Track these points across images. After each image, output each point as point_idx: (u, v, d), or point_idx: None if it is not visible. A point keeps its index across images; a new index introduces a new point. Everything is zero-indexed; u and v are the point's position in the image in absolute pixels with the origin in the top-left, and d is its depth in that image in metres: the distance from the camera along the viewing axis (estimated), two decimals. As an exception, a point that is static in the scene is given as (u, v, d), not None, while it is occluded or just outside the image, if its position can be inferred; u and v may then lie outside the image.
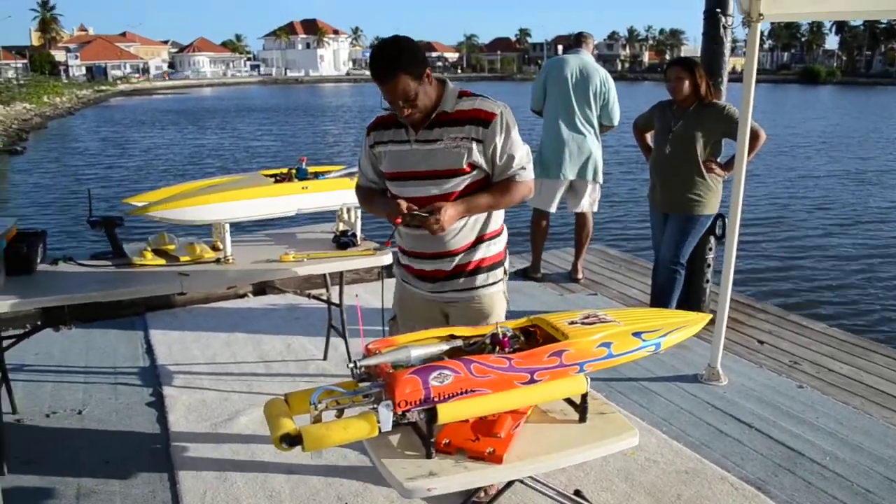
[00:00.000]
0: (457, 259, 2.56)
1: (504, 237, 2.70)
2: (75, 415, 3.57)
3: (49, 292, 3.10)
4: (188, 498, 2.87)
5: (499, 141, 2.43)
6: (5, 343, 3.29)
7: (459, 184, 2.45)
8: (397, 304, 2.82)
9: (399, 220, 2.40)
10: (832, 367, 4.19)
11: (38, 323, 3.69)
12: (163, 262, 3.47)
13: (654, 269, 4.80)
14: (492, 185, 2.51)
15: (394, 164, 2.53)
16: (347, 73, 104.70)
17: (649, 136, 4.81)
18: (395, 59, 2.31)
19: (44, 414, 3.57)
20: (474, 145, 2.41)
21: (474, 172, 2.46)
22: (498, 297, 2.68)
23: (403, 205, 2.39)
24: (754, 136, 4.18)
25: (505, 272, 2.71)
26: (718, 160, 4.43)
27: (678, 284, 4.61)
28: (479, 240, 2.58)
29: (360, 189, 2.79)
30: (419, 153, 2.46)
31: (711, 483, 2.99)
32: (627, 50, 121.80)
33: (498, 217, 2.64)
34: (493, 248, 2.63)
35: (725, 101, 4.54)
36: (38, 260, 3.39)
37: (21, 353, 3.99)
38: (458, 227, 2.50)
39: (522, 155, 2.51)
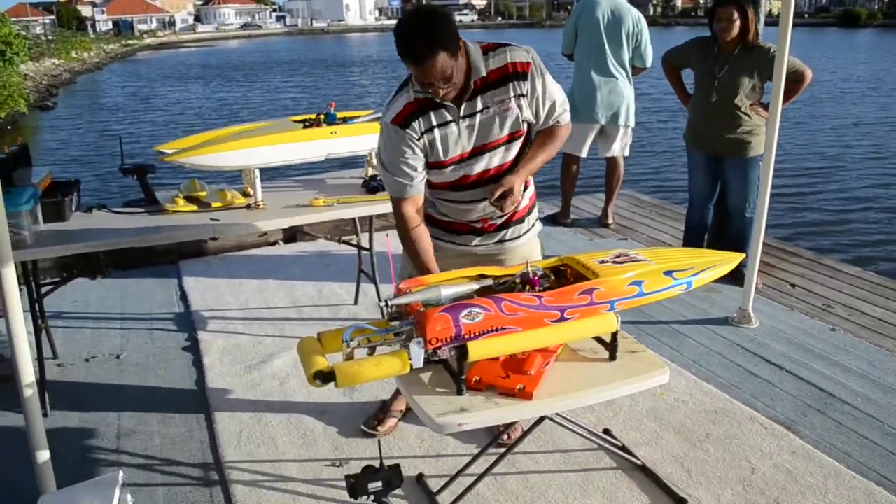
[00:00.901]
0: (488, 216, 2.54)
1: (532, 184, 2.66)
2: (113, 359, 3.66)
3: (84, 239, 3.15)
4: (224, 437, 2.94)
5: (539, 87, 2.33)
6: (45, 289, 3.36)
7: (517, 146, 2.40)
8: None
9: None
10: (865, 310, 4.15)
11: (75, 271, 3.77)
12: (195, 208, 3.51)
13: (690, 208, 4.73)
14: (539, 137, 2.45)
15: (446, 150, 2.33)
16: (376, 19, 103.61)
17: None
18: (430, 36, 2.07)
19: (83, 358, 3.67)
20: (523, 101, 2.32)
21: (527, 129, 2.41)
22: (535, 242, 2.68)
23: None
24: (800, 76, 4.11)
25: (536, 214, 2.70)
26: (761, 101, 4.28)
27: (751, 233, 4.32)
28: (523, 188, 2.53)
29: (406, 221, 2.40)
30: (469, 129, 2.32)
31: (741, 422, 3.00)
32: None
33: None
34: (529, 192, 2.61)
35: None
36: (73, 208, 3.44)
37: (59, 301, 4.10)
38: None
39: (562, 97, 2.44)
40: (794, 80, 4.06)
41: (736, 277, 3.92)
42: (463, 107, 2.29)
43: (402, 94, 2.32)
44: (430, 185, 2.47)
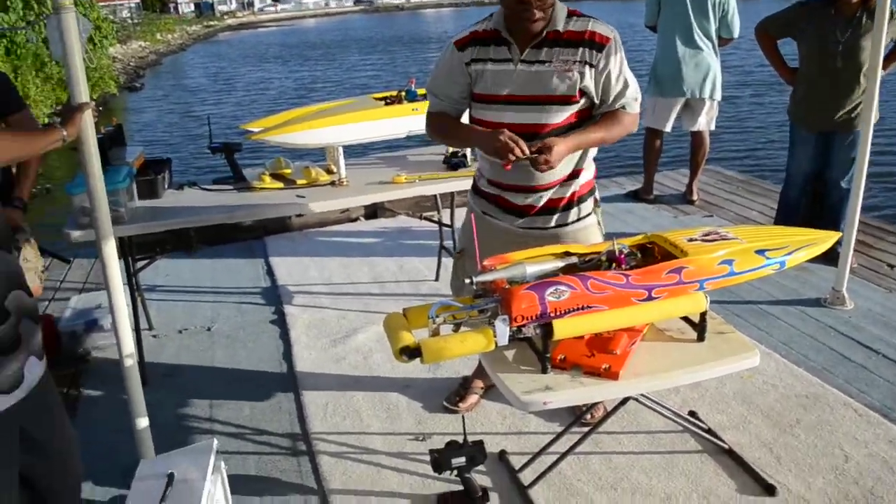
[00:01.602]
0: (541, 195, 2.43)
1: (593, 167, 2.57)
2: (205, 331, 3.79)
3: (177, 216, 3.26)
4: (311, 409, 3.02)
5: (613, 66, 2.28)
6: (140, 264, 3.49)
7: (565, 112, 2.31)
8: (469, 239, 2.50)
9: (508, 167, 2.23)
10: (970, 291, 3.94)
11: (168, 246, 3.93)
12: (280, 185, 3.58)
13: (787, 185, 4.52)
14: (601, 116, 2.37)
15: (494, 85, 2.33)
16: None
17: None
18: None
19: (176, 330, 3.82)
20: (587, 70, 2.26)
21: (582, 101, 2.32)
22: (592, 231, 2.56)
23: (523, 146, 2.19)
24: None
25: (596, 202, 2.59)
26: None
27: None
28: (574, 174, 2.45)
29: (435, 117, 2.52)
30: (524, 75, 2.29)
31: (834, 409, 2.90)
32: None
33: (593, 150, 2.49)
34: (583, 178, 2.50)
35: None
36: (166, 186, 3.56)
37: (153, 275, 4.27)
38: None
39: (636, 86, 2.37)
40: None
41: (829, 257, 3.76)
42: (526, 52, 2.28)
43: (480, 23, 2.37)
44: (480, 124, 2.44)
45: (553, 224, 2.49)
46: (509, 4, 2.23)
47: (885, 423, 2.80)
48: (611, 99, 2.34)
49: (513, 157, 2.20)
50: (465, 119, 2.55)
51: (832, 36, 3.98)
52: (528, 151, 2.22)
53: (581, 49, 2.26)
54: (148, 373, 3.28)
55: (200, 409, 3.09)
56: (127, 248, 3.33)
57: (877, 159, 9.30)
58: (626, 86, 2.34)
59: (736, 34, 5.23)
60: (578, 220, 2.52)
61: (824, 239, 2.39)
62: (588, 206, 2.54)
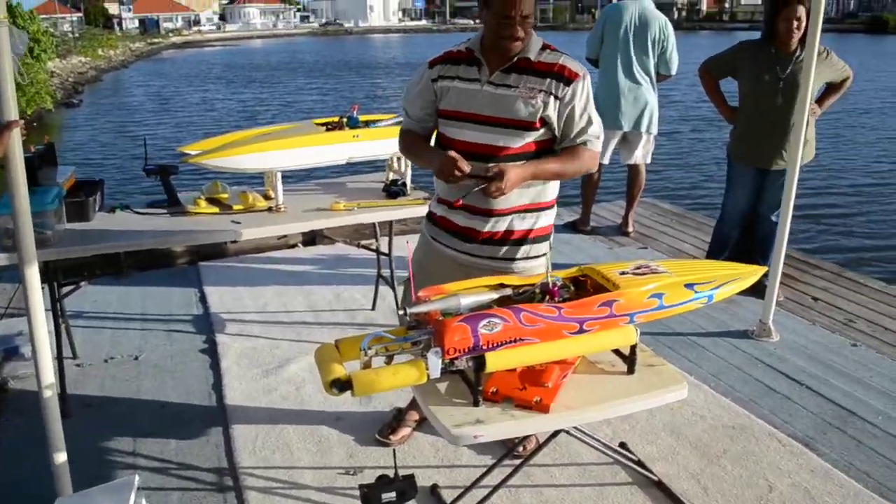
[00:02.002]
0: (495, 221, 2.41)
1: (554, 210, 2.57)
2: (132, 360, 3.68)
3: (107, 240, 3.17)
4: (240, 442, 2.95)
5: (579, 101, 2.33)
6: (66, 289, 3.38)
7: (524, 138, 2.33)
8: (416, 264, 2.46)
9: (459, 203, 2.30)
10: (888, 325, 4.09)
11: (97, 271, 3.81)
12: (216, 210, 3.52)
13: (721, 222, 4.59)
14: (560, 150, 2.39)
15: (458, 102, 2.38)
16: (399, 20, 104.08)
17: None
18: None
19: (102, 359, 3.69)
20: (552, 100, 2.30)
21: (542, 130, 2.34)
22: (539, 273, 2.51)
23: (464, 165, 2.22)
24: (848, 76, 4.22)
25: (550, 246, 2.55)
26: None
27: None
28: (530, 208, 2.45)
29: (404, 134, 2.59)
30: (489, 96, 2.33)
31: (759, 439, 2.97)
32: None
33: (554, 187, 2.50)
34: (542, 220, 2.50)
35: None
36: (96, 208, 3.46)
37: (80, 301, 4.13)
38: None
39: (599, 127, 2.41)
40: (844, 78, 4.22)
41: (757, 289, 3.87)
42: (496, 74, 2.33)
43: (457, 45, 2.45)
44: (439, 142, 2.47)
45: (501, 255, 2.47)
46: (494, 21, 2.27)
47: (808, 453, 2.87)
48: (573, 133, 2.37)
49: (459, 175, 2.22)
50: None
51: (772, 74, 4.09)
52: (467, 169, 2.24)
53: (549, 80, 2.31)
54: (69, 404, 3.16)
55: (124, 442, 2.98)
56: (52, 273, 3.22)
57: (809, 198, 9.69)
58: (589, 122, 2.38)
59: (674, 71, 5.40)
60: (528, 258, 2.50)
61: (751, 273, 2.46)
62: (542, 248, 2.52)
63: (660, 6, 5.52)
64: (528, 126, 2.32)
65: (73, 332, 3.73)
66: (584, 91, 2.34)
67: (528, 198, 2.43)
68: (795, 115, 3.92)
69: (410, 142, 2.56)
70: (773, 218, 4.25)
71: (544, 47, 2.36)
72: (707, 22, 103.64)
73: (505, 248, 2.47)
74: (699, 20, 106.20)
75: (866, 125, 17.11)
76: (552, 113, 2.32)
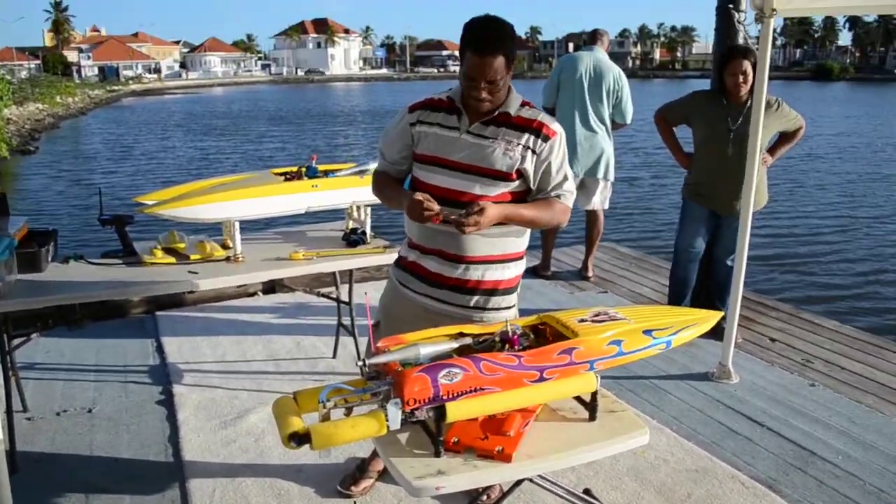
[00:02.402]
0: (464, 269, 2.40)
1: (524, 262, 2.56)
2: (85, 413, 3.58)
3: (60, 291, 3.11)
4: (197, 496, 2.87)
5: (555, 159, 2.35)
6: (17, 341, 3.29)
7: (500, 189, 2.33)
8: (384, 310, 2.64)
9: (438, 219, 2.23)
10: (845, 365, 4.16)
11: (50, 321, 3.72)
12: (173, 260, 3.48)
13: (676, 264, 4.63)
14: (537, 200, 2.40)
15: (436, 148, 2.38)
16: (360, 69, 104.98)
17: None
18: (501, 36, 2.22)
19: (54, 412, 3.58)
20: (529, 154, 2.32)
21: (517, 182, 2.35)
22: (501, 321, 2.47)
23: (433, 204, 2.22)
24: (800, 126, 4.31)
25: (517, 297, 2.57)
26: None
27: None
28: (500, 259, 2.43)
29: (377, 176, 2.59)
30: (467, 145, 2.34)
31: (722, 482, 2.97)
32: (638, 47, 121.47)
33: (524, 240, 2.51)
34: (512, 271, 2.49)
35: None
36: (49, 259, 3.40)
37: (32, 352, 4.03)
38: (483, 234, 2.32)
39: (572, 181, 2.45)
40: (797, 128, 4.31)
41: (716, 331, 3.92)
42: (475, 125, 2.35)
43: (439, 93, 2.46)
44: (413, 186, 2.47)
45: (471, 304, 2.45)
46: (463, 80, 2.30)
47: (770, 495, 2.89)
48: (549, 188, 2.39)
49: (428, 214, 2.21)
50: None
51: (723, 125, 4.17)
52: (436, 208, 2.22)
53: (527, 135, 2.33)
54: (18, 459, 3.06)
55: (75, 499, 2.88)
56: (2, 324, 3.13)
57: (763, 239, 9.91)
58: (564, 178, 2.40)
59: (629, 120, 5.52)
60: (498, 309, 2.48)
61: (708, 318, 2.49)
62: (511, 299, 2.52)
63: (615, 55, 5.68)
64: (504, 176, 2.33)
65: (24, 384, 3.63)
66: (560, 149, 2.37)
67: (499, 249, 2.42)
68: (747, 163, 3.94)
69: (383, 184, 2.55)
70: (729, 262, 4.31)
71: (523, 104, 2.39)
72: (660, 70, 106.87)
73: (475, 298, 2.45)
74: (653, 69, 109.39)
75: (820, 170, 17.65)
76: (529, 166, 2.34)
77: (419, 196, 2.24)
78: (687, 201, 4.54)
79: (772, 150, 4.36)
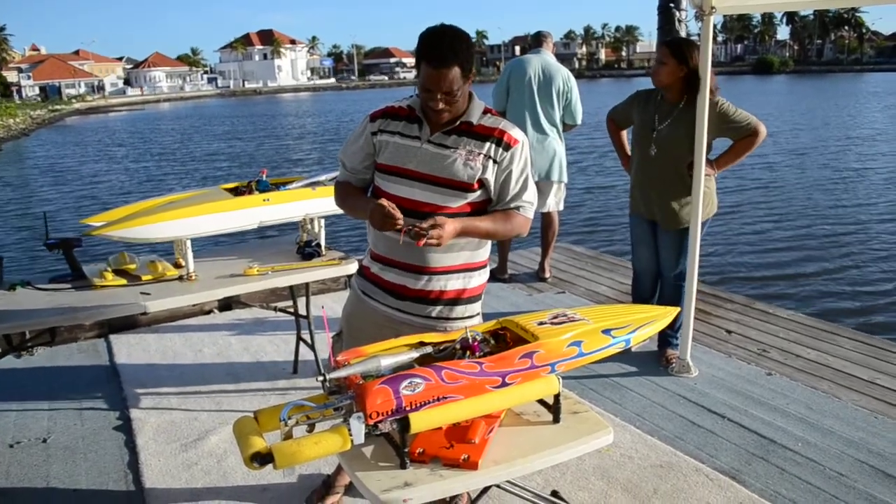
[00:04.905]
0: (427, 280, 2.38)
1: (487, 270, 2.55)
2: (40, 443, 3.47)
3: (7, 319, 3.03)
4: (160, 522, 2.80)
5: (516, 168, 2.34)
6: (-37, 374, 3.19)
7: (461, 199, 2.32)
8: (346, 319, 2.62)
9: (404, 231, 2.17)
10: (799, 352, 4.25)
11: (-2, 350, 3.60)
12: (124, 281, 3.41)
13: (636, 281, 4.33)
14: (493, 211, 2.38)
15: (396, 158, 2.35)
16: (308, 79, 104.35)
17: (625, 134, 4.31)
18: (455, 47, 2.19)
19: (7, 444, 3.47)
20: (490, 164, 2.31)
21: (479, 192, 2.34)
22: (459, 329, 2.45)
23: (396, 211, 2.18)
24: (753, 131, 3.78)
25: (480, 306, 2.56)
26: (708, 157, 3.86)
27: (683, 294, 3.97)
28: (463, 268, 2.42)
29: (339, 186, 2.55)
30: (428, 154, 2.32)
31: (687, 475, 3.01)
32: (584, 48, 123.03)
33: (486, 249, 2.50)
34: (475, 280, 2.48)
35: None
36: (-6, 286, 3.30)
37: (-20, 383, 3.90)
38: (445, 245, 2.28)
39: (534, 195, 2.42)
40: (747, 135, 3.79)
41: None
42: (436, 134, 2.32)
43: (399, 100, 2.44)
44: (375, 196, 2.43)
45: (434, 315, 2.43)
46: (420, 90, 2.27)
47: (735, 486, 2.93)
48: (507, 198, 2.37)
49: (391, 222, 2.18)
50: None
51: (650, 123, 3.89)
52: (398, 215, 2.19)
53: (488, 144, 2.31)
54: (-29, 496, 2.96)
55: (33, 533, 2.80)
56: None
57: (713, 238, 10.07)
58: (523, 188, 2.38)
59: (579, 121, 5.57)
60: (462, 318, 2.46)
61: (665, 315, 2.52)
62: (475, 307, 2.51)
63: (561, 56, 5.76)
64: (465, 187, 2.31)
65: (-27, 419, 3.51)
66: (521, 157, 2.35)
67: (462, 259, 2.41)
68: (675, 170, 3.83)
69: (345, 193, 2.52)
70: (673, 281, 4.05)
71: (486, 111, 2.37)
72: (606, 70, 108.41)
73: (438, 308, 2.43)
74: (599, 69, 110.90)
75: (763, 159, 18.02)
76: (490, 176, 2.32)
77: (383, 201, 2.21)
78: (630, 216, 4.26)
79: (719, 158, 3.97)
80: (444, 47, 2.19)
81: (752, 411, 3.55)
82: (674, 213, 3.91)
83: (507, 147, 2.32)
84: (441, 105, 2.24)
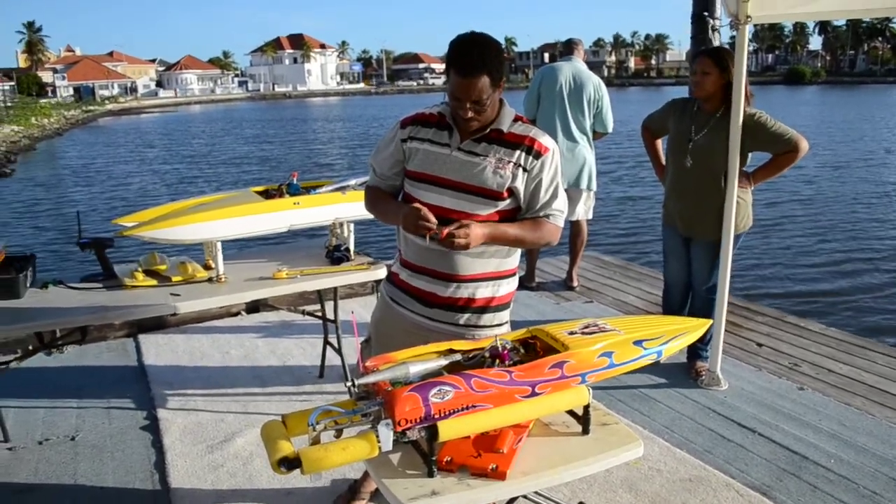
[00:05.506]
0: (456, 287, 2.37)
1: (516, 279, 2.54)
2: (68, 441, 3.51)
3: (39, 317, 3.07)
4: (186, 523, 2.81)
5: (546, 176, 2.32)
6: (-5, 370, 3.23)
7: (490, 207, 2.30)
8: (374, 325, 2.61)
9: (444, 234, 2.15)
10: (832, 367, 4.17)
11: (30, 348, 3.64)
12: (154, 282, 3.43)
13: (667, 292, 4.27)
14: (523, 219, 2.37)
15: (426, 165, 2.34)
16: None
17: (660, 144, 4.23)
18: (485, 54, 2.17)
19: (36, 441, 3.51)
20: (520, 172, 2.29)
21: (508, 200, 2.32)
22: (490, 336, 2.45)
23: (430, 215, 2.17)
24: (793, 146, 3.66)
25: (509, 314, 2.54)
26: (745, 169, 3.81)
27: (714, 306, 3.89)
28: (492, 276, 2.41)
29: (370, 191, 2.54)
30: (458, 162, 2.30)
31: (717, 490, 2.96)
32: (613, 56, 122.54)
33: (515, 257, 2.48)
34: (504, 288, 2.47)
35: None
36: (28, 284, 3.34)
37: (12, 379, 3.93)
38: (475, 253, 2.29)
39: (564, 203, 2.40)
40: (787, 150, 3.69)
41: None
42: (466, 142, 2.31)
43: (430, 107, 2.43)
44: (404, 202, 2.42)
45: (462, 322, 2.42)
46: (450, 98, 2.26)
47: (766, 502, 2.88)
48: (538, 206, 2.35)
49: (430, 227, 2.16)
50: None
51: (686, 134, 3.83)
52: (433, 219, 2.17)
53: (519, 152, 2.29)
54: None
55: (60, 530, 2.82)
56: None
57: (746, 250, 9.93)
58: (553, 196, 2.36)
59: (610, 129, 5.54)
60: (490, 326, 2.45)
61: (697, 327, 2.48)
62: (503, 316, 2.49)
63: (590, 64, 5.68)
64: (495, 196, 2.30)
65: (5, 413, 3.55)
66: (552, 166, 2.33)
67: (491, 266, 2.40)
68: (711, 181, 3.76)
69: (376, 198, 2.51)
70: (704, 293, 4.00)
71: (516, 119, 2.35)
72: (636, 78, 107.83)
73: (466, 315, 2.42)
74: (628, 77, 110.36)
75: (805, 177, 17.77)
76: (520, 185, 2.30)
77: (416, 205, 2.21)
78: (663, 227, 4.20)
79: (756, 171, 3.88)
80: (473, 56, 2.17)
81: (783, 426, 3.49)
82: (708, 225, 3.84)
83: (538, 155, 2.30)
84: (470, 114, 2.23)
